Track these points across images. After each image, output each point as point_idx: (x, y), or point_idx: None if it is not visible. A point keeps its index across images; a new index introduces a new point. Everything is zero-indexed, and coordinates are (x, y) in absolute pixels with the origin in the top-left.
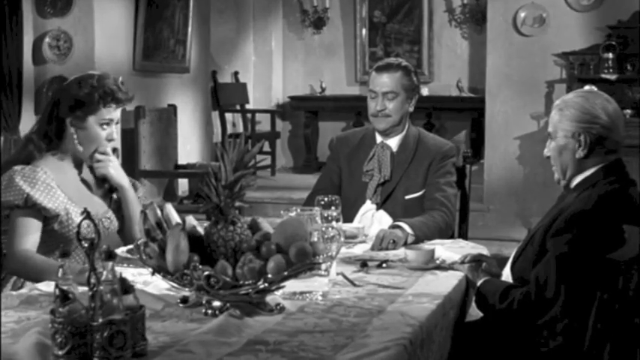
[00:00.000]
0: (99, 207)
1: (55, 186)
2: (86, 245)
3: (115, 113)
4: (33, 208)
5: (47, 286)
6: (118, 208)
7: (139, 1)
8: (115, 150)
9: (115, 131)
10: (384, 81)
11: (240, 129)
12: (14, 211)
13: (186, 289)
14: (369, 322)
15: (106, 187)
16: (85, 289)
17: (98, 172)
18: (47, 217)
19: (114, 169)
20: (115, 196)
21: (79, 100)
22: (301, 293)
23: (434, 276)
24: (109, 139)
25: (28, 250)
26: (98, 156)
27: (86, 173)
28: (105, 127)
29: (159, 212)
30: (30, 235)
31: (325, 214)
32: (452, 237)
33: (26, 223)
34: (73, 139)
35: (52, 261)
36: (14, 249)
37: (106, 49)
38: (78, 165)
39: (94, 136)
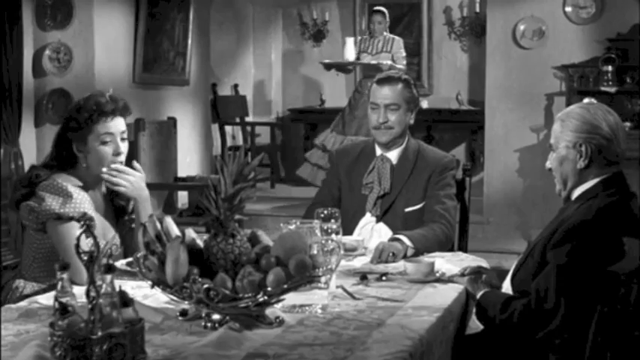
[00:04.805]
0: (108, 231)
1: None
2: (85, 258)
3: (111, 126)
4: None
5: (46, 299)
6: (127, 231)
7: (139, 14)
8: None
9: (122, 145)
10: (386, 93)
11: (240, 142)
12: (68, 224)
13: (186, 302)
14: (368, 335)
15: (113, 211)
16: (84, 301)
17: (115, 189)
18: None
19: (129, 182)
20: (125, 218)
21: (74, 125)
22: (301, 306)
23: (433, 289)
24: (116, 153)
25: None
26: (105, 171)
27: (97, 198)
28: (108, 143)
29: (158, 225)
30: None
31: (325, 227)
32: (452, 249)
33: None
34: (81, 164)
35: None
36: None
37: (106, 61)
38: (87, 190)
39: (100, 155)
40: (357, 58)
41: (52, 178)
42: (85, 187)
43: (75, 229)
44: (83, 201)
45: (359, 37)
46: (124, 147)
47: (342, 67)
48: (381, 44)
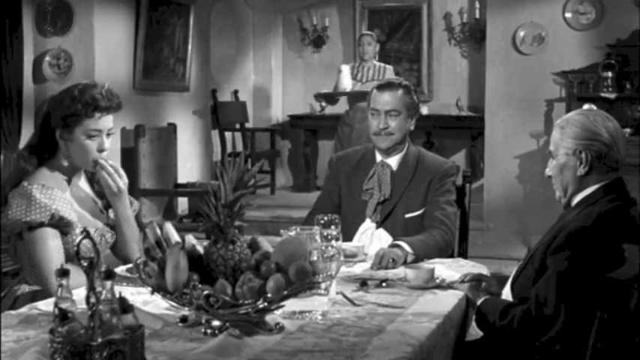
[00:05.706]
0: (99, 221)
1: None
2: (85, 264)
3: (101, 122)
4: (58, 223)
5: (46, 306)
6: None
7: (139, 20)
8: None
9: (107, 141)
10: (386, 99)
11: (240, 148)
12: (39, 230)
13: (186, 308)
14: (368, 341)
15: (104, 201)
16: (84, 307)
17: (104, 187)
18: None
19: (118, 185)
20: (110, 214)
21: (64, 113)
22: (301, 312)
23: (434, 295)
24: (100, 150)
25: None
26: (101, 163)
27: (85, 186)
28: (94, 137)
29: (158, 231)
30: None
31: (325, 233)
32: (452, 256)
33: (55, 240)
34: (62, 152)
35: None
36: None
37: (106, 67)
38: (72, 178)
39: (83, 148)
40: None
41: (28, 178)
42: (68, 179)
43: (47, 234)
44: (49, 204)
45: (350, 65)
46: (109, 143)
47: (331, 99)
48: (372, 72)
